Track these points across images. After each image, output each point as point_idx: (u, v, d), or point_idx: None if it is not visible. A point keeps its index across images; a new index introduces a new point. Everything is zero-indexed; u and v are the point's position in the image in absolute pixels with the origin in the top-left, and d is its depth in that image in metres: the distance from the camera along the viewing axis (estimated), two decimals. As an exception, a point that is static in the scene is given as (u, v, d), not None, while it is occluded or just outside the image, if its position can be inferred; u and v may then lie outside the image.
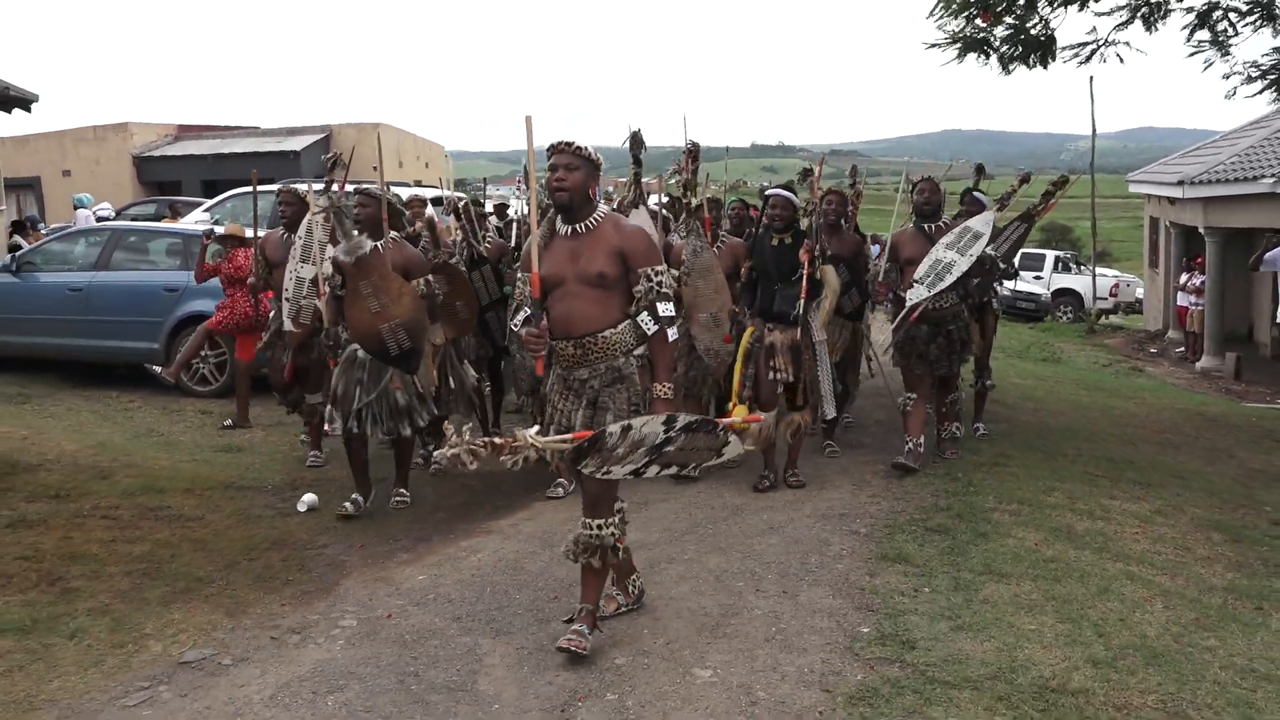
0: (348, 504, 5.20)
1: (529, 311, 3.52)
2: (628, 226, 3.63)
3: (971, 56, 8.32)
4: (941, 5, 8.14)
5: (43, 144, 22.58)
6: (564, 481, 5.47)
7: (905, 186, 6.57)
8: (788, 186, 5.79)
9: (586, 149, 3.53)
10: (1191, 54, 8.24)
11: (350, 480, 5.39)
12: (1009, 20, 8.10)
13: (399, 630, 3.77)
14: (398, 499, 5.44)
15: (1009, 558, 4.42)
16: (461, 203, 6.54)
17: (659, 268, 3.54)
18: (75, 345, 8.61)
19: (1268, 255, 9.34)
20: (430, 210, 6.93)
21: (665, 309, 3.52)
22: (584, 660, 3.45)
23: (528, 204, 4.12)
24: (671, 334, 3.54)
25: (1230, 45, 8.14)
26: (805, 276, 5.38)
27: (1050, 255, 24.32)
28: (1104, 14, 8.30)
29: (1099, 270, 22.93)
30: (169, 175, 22.74)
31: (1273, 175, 13.60)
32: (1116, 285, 23.86)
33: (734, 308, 5.67)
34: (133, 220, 13.71)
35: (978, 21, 8.11)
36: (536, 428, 3.39)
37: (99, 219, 14.01)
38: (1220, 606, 4.09)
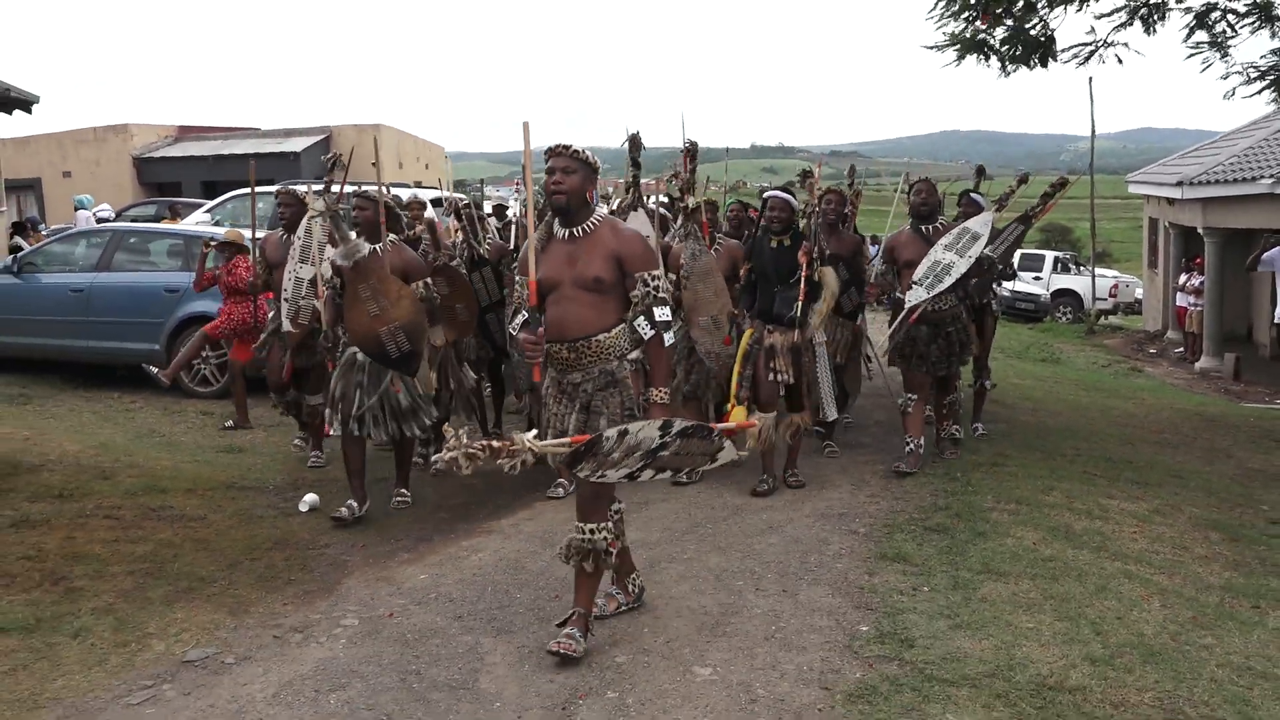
0: (343, 509, 5.10)
1: (526, 315, 3.53)
2: (625, 231, 3.61)
3: (971, 58, 8.34)
4: (941, 6, 8.16)
5: (43, 145, 22.62)
6: (564, 481, 5.49)
7: (904, 188, 6.59)
8: (786, 188, 5.81)
9: (584, 152, 3.53)
10: (1190, 55, 8.27)
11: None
12: (1008, 23, 8.12)
13: (401, 629, 3.79)
14: (399, 499, 5.45)
15: (1007, 557, 4.44)
16: (463, 204, 6.55)
17: (656, 272, 3.53)
18: (76, 346, 8.63)
19: (1266, 255, 9.38)
20: (430, 212, 6.94)
21: (662, 314, 3.51)
22: (583, 660, 3.47)
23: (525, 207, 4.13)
24: (668, 339, 3.54)
25: (1229, 46, 8.16)
26: (804, 279, 5.40)
27: (1050, 256, 24.31)
28: (1103, 15, 8.32)
29: (1098, 271, 22.94)
30: (169, 176, 22.78)
31: (1271, 176, 13.61)
32: (1116, 286, 23.84)
33: (733, 310, 5.69)
34: (133, 221, 13.73)
35: (977, 24, 8.12)
36: (534, 431, 3.41)
37: (99, 220, 14.04)
38: (1217, 605, 4.11)
